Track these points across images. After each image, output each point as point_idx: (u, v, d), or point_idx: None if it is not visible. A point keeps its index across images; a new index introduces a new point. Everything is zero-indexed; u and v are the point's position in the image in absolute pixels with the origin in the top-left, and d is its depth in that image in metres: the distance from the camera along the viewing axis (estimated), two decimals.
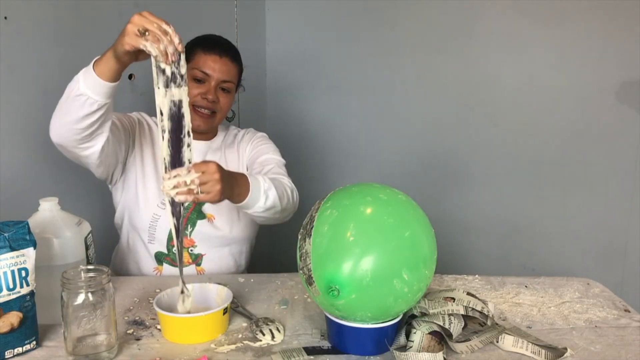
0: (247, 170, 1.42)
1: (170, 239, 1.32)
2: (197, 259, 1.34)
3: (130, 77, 1.67)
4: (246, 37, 2.19)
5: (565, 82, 2.01)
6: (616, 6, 1.90)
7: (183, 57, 0.97)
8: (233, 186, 1.06)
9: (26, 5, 1.33)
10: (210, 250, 1.35)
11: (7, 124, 1.32)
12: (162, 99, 0.96)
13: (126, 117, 1.33)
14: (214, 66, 1.32)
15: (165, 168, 0.98)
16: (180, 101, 0.97)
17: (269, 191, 1.15)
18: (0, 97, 1.29)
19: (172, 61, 0.95)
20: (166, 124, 0.97)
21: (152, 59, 0.95)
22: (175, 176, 0.96)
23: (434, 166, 2.22)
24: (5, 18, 1.29)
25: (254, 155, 1.42)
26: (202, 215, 1.35)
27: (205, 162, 1.00)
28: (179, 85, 0.97)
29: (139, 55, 0.98)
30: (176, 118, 0.97)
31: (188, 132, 0.99)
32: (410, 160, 2.24)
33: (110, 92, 1.05)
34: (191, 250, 1.34)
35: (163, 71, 0.95)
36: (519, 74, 2.06)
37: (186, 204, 1.00)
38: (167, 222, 1.29)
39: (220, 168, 1.00)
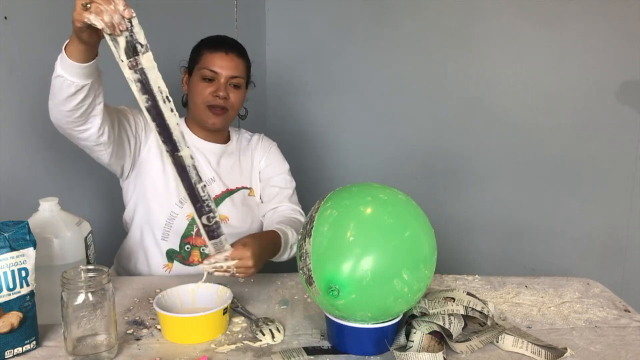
0: (260, 182, 1.46)
1: (184, 236, 1.33)
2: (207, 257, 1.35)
3: None
4: (246, 37, 2.19)
5: (565, 82, 2.01)
6: (616, 6, 1.90)
7: (135, 21, 0.90)
8: (266, 256, 1.15)
9: (26, 5, 1.33)
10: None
11: (7, 124, 1.32)
12: (129, 71, 0.91)
13: (140, 112, 1.32)
14: (221, 63, 1.33)
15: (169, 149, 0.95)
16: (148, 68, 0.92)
17: (294, 245, 1.24)
18: (0, 97, 1.29)
19: (121, 30, 0.90)
20: (141, 97, 0.92)
21: (105, 34, 0.90)
22: (214, 262, 1.04)
23: (434, 166, 2.22)
24: (5, 18, 1.29)
25: (270, 171, 1.45)
26: None
27: (241, 248, 1.06)
28: (142, 53, 0.91)
29: (99, 30, 0.92)
30: (149, 88, 0.93)
31: (167, 97, 0.94)
32: (411, 160, 2.24)
33: (84, 73, 1.02)
34: (203, 250, 1.34)
35: (119, 43, 0.90)
36: (519, 74, 2.06)
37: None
38: (183, 221, 1.32)
39: (254, 253, 1.07)
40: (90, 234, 1.10)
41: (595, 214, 2.06)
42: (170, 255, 1.34)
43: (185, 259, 1.34)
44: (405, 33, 2.17)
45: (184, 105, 1.44)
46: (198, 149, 1.38)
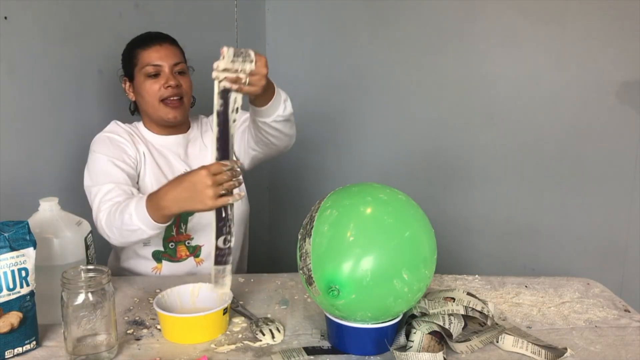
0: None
1: (165, 238, 1.32)
2: (195, 251, 1.35)
3: None
4: (246, 37, 2.19)
5: (565, 82, 2.01)
6: (616, 6, 1.90)
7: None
8: (267, 86, 1.11)
9: (26, 5, 1.33)
10: (208, 239, 1.35)
11: (7, 124, 1.32)
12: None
13: (126, 155, 1.31)
14: (160, 55, 1.32)
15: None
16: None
17: (286, 102, 1.20)
18: (0, 97, 1.29)
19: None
20: (218, 100, 0.99)
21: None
22: (232, 61, 0.97)
23: (434, 166, 2.22)
24: (5, 18, 1.29)
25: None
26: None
27: (260, 54, 1.01)
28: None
29: None
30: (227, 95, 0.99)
31: (237, 109, 1.01)
32: (411, 160, 2.24)
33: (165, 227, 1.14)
34: (188, 243, 1.34)
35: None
36: (519, 74, 2.06)
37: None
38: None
39: (267, 63, 1.04)
40: (90, 234, 1.10)
41: (595, 214, 2.05)
42: (157, 256, 1.34)
43: (172, 256, 1.34)
44: (405, 33, 2.16)
45: (132, 113, 1.43)
46: (163, 147, 1.37)
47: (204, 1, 1.99)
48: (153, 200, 1.08)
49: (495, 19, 2.05)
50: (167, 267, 1.34)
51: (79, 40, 1.49)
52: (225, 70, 0.97)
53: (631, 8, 1.89)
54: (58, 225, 1.04)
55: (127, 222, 1.10)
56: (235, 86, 0.99)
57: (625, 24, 1.91)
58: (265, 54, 2.54)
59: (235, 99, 1.00)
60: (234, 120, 1.01)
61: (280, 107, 1.18)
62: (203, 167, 1.00)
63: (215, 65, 0.97)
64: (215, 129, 0.99)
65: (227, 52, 0.97)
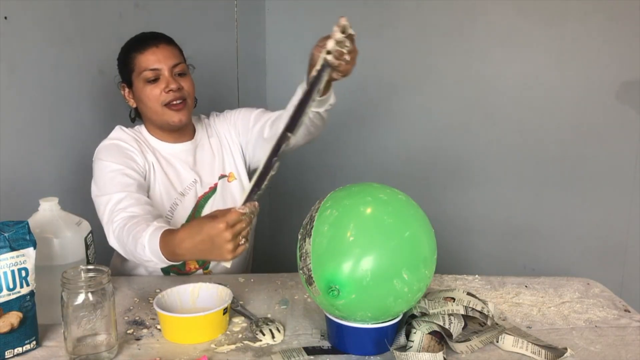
0: (243, 136, 1.41)
1: None
2: (204, 263, 1.33)
3: None
4: (246, 37, 2.20)
5: (565, 82, 2.01)
6: (616, 6, 1.90)
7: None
8: None
9: (26, 5, 1.33)
10: None
11: (8, 124, 1.32)
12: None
13: (135, 163, 1.27)
14: (157, 58, 1.27)
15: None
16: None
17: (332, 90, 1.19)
18: (0, 97, 1.29)
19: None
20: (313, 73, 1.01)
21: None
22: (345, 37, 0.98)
23: (434, 166, 2.22)
24: (5, 18, 1.29)
25: (244, 123, 1.40)
26: None
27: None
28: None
29: None
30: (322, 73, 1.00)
31: (319, 90, 1.01)
32: (411, 160, 2.24)
33: None
34: None
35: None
36: (519, 74, 2.06)
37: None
38: None
39: None
40: (90, 234, 1.10)
41: (595, 214, 2.06)
42: (165, 269, 1.31)
43: (181, 269, 1.32)
44: (405, 33, 2.16)
45: (132, 120, 1.38)
46: (172, 155, 1.33)
47: (204, 1, 1.99)
48: (168, 243, 1.01)
49: (495, 19, 2.05)
50: None
51: (79, 40, 1.49)
52: (338, 43, 0.96)
53: (631, 8, 1.89)
54: (58, 225, 1.04)
55: (140, 252, 1.06)
56: (337, 62, 0.97)
57: (625, 24, 1.91)
58: (265, 54, 2.56)
59: (322, 80, 0.99)
60: (313, 101, 0.99)
61: (332, 96, 1.18)
62: (222, 220, 0.93)
63: (337, 36, 0.96)
64: (300, 97, 1.00)
65: (345, 23, 0.96)
